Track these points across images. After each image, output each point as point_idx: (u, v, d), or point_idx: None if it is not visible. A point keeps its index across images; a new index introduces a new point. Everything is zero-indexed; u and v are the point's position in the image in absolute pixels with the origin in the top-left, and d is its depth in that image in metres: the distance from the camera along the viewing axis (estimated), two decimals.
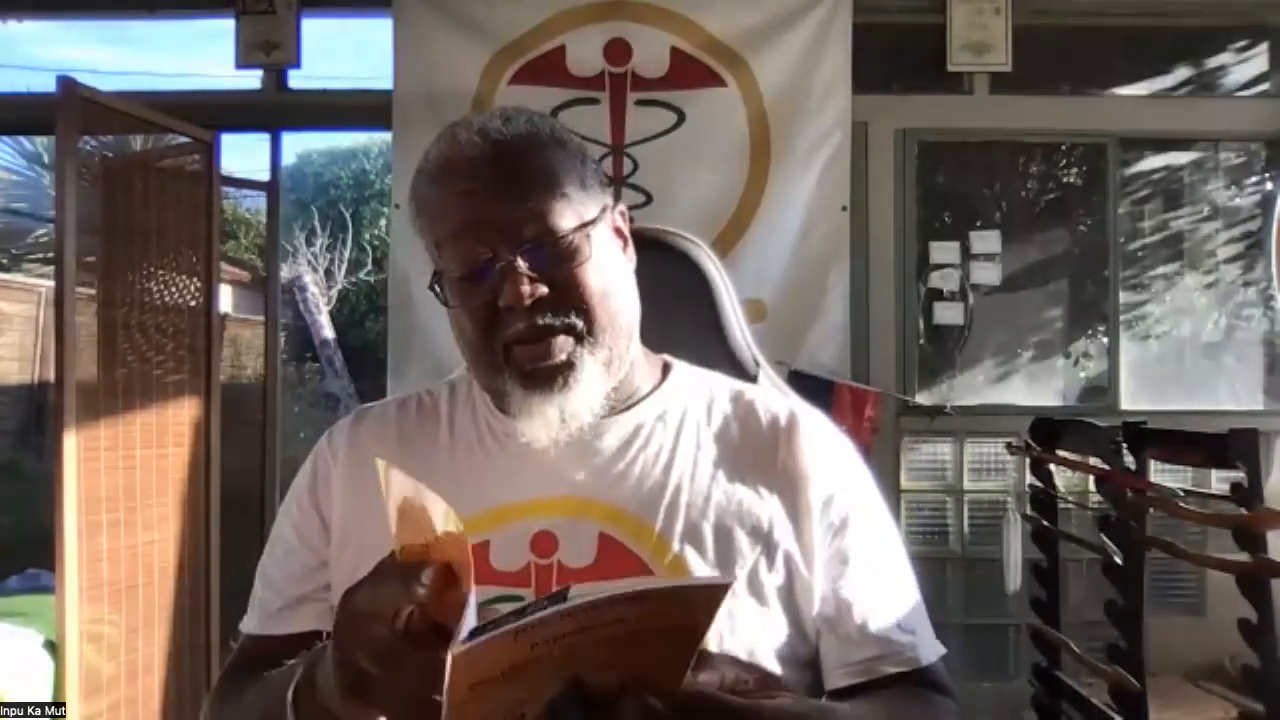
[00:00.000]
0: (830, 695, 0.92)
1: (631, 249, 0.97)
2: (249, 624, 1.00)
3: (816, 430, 0.97)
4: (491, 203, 0.86)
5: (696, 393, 1.00)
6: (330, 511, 0.97)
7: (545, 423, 0.88)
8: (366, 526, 0.94)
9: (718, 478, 0.93)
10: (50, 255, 5.65)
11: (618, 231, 0.95)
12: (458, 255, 0.88)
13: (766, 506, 0.92)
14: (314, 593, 0.97)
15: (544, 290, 0.86)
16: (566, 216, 0.88)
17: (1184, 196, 3.54)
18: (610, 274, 0.91)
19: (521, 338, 0.87)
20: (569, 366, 0.88)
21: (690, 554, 0.89)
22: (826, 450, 0.96)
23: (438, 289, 0.90)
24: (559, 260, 0.87)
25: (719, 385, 1.02)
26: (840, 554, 0.92)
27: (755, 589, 0.89)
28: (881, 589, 0.93)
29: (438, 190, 0.89)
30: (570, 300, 0.88)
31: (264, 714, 0.83)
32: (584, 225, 0.89)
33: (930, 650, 0.94)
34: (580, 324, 0.88)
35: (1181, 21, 3.47)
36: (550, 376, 0.88)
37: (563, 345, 0.88)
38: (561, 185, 0.88)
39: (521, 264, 0.86)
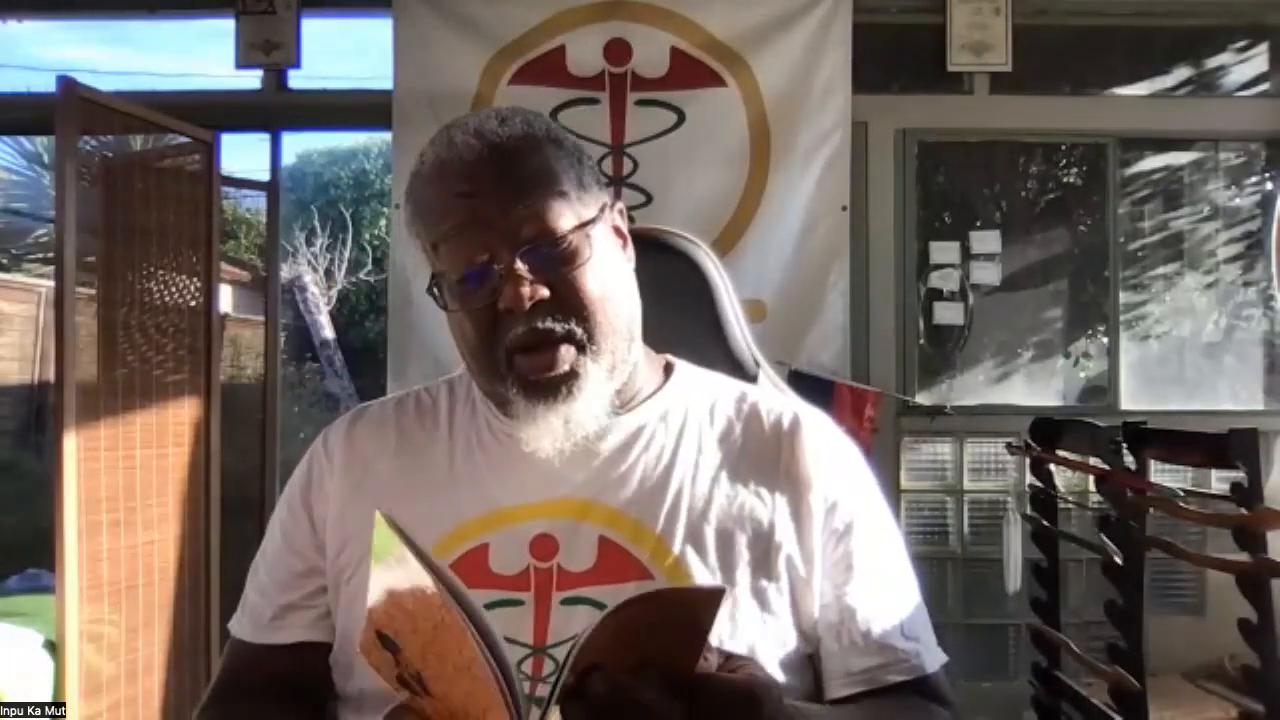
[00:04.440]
0: (831, 704, 0.91)
1: (631, 248, 0.96)
2: (240, 629, 0.99)
3: (820, 433, 0.97)
4: (489, 204, 0.86)
5: (699, 394, 0.99)
6: (325, 515, 0.96)
7: (549, 431, 0.88)
8: (366, 527, 0.94)
9: (720, 480, 0.92)
10: (50, 255, 5.65)
11: (616, 230, 0.94)
12: (456, 257, 0.87)
13: (769, 509, 0.91)
14: (301, 600, 0.96)
15: (544, 293, 0.85)
16: (565, 216, 0.87)
17: (1184, 196, 3.53)
18: (610, 275, 0.90)
19: (523, 344, 0.86)
20: (572, 376, 0.87)
21: (691, 557, 0.88)
22: (830, 453, 0.96)
23: (436, 292, 0.89)
24: (558, 262, 0.87)
25: (722, 387, 1.01)
26: (845, 559, 0.92)
27: (757, 592, 0.88)
28: (886, 595, 0.93)
29: (435, 192, 0.89)
30: (570, 304, 0.87)
31: None
32: (583, 225, 0.88)
33: (933, 658, 0.93)
34: (580, 331, 0.87)
35: (1181, 21, 3.46)
36: (554, 387, 0.87)
37: (565, 356, 0.87)
38: (559, 184, 0.88)
39: (521, 266, 0.85)
